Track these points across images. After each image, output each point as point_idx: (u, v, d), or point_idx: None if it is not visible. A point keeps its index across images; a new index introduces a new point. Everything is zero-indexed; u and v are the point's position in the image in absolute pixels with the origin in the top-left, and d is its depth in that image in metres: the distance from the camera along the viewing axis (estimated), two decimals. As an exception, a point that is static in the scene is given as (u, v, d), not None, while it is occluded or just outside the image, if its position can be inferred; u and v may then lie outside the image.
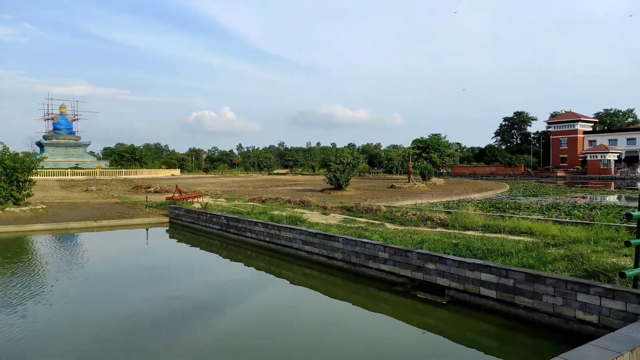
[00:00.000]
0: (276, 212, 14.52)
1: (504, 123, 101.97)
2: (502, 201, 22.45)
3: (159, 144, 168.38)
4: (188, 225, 15.82)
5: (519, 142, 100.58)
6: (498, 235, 9.48)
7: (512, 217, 12.81)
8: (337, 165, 27.91)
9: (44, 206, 19.08)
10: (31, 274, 9.41)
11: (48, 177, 57.55)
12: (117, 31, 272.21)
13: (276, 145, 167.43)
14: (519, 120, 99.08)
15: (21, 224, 15.12)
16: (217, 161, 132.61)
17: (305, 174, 79.12)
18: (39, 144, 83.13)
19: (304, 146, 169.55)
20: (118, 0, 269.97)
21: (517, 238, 9.10)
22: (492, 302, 6.63)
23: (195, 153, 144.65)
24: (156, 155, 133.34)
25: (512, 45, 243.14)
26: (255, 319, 6.97)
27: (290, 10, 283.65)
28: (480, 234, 9.73)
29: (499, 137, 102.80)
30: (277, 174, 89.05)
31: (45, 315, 6.80)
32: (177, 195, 20.90)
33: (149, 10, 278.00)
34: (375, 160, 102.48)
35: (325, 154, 33.94)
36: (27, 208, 17.87)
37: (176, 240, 14.46)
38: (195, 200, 19.96)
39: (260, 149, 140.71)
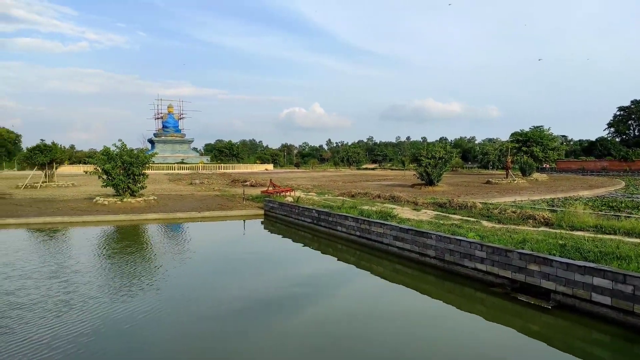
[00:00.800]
0: (366, 207, 14.52)
1: (619, 113, 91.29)
2: (616, 199, 20.23)
3: (254, 140, 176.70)
4: (281, 218, 16.44)
5: (637, 133, 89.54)
6: (612, 237, 8.57)
7: (629, 217, 11.49)
8: (428, 160, 27.06)
9: (155, 197, 21.04)
10: (144, 259, 10.44)
11: (158, 171, 63.29)
12: (218, 35, 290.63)
13: (365, 140, 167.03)
14: (637, 110, 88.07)
15: (136, 213, 16.83)
16: (307, 156, 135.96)
17: (395, 169, 78.03)
18: (150, 141, 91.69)
19: (394, 140, 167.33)
20: (220, 5, 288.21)
21: (636, 240, 8.14)
22: (606, 309, 6.01)
23: (287, 148, 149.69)
24: (251, 151, 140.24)
25: (625, 29, 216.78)
26: (344, 312, 7.05)
27: (379, 3, 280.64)
28: (592, 235, 8.87)
29: (612, 129, 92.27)
30: (366, 168, 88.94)
31: (155, 298, 7.49)
32: (271, 189, 21.80)
33: (247, 13, 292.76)
34: (469, 154, 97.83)
35: (415, 148, 33.13)
36: (141, 199, 19.84)
37: (270, 231, 15.10)
38: (288, 194, 20.66)
39: (349, 144, 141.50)
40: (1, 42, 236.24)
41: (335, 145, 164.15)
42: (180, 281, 8.63)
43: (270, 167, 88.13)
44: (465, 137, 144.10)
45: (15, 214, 16.53)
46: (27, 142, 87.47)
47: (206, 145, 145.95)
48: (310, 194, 22.63)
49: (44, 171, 31.28)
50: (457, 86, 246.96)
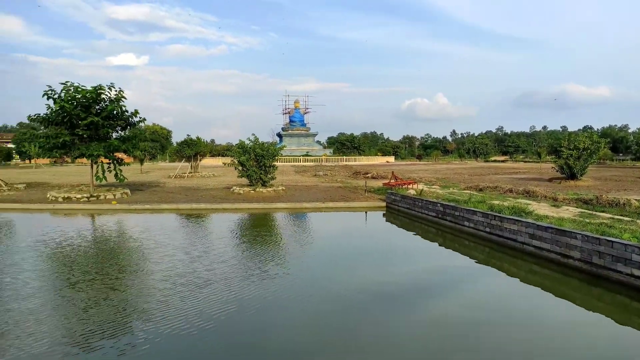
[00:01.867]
0: (496, 202, 13.58)
1: None
2: None
3: (375, 132, 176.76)
4: (403, 211, 16.20)
5: None
6: None
7: None
8: (570, 151, 24.20)
9: (284, 188, 22.31)
10: (274, 244, 11.14)
11: (284, 163, 67.03)
12: (342, 30, 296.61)
13: (493, 130, 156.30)
14: None
15: (267, 202, 18.03)
16: (429, 148, 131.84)
17: (528, 161, 71.60)
18: (279, 135, 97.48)
19: (527, 130, 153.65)
20: (343, 0, 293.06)
21: None
22: None
23: (408, 140, 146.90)
24: (372, 143, 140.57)
25: None
26: (472, 313, 6.66)
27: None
28: None
29: None
30: (495, 161, 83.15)
31: (283, 281, 7.94)
32: (393, 181, 21.61)
33: (370, 5, 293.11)
34: (620, 145, 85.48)
35: (553, 139, 29.96)
36: (271, 189, 21.21)
37: (392, 224, 14.98)
38: (410, 186, 20.28)
39: (476, 134, 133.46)
40: (157, 50, 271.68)
41: (460, 136, 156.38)
42: (307, 267, 9.02)
43: (391, 159, 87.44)
44: (615, 126, 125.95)
45: (168, 200, 18.92)
46: (176, 138, 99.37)
47: (329, 138, 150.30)
48: (433, 187, 21.91)
49: (190, 163, 35.25)
50: (606, 68, 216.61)
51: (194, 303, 6.58)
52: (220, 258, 9.43)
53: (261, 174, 21.31)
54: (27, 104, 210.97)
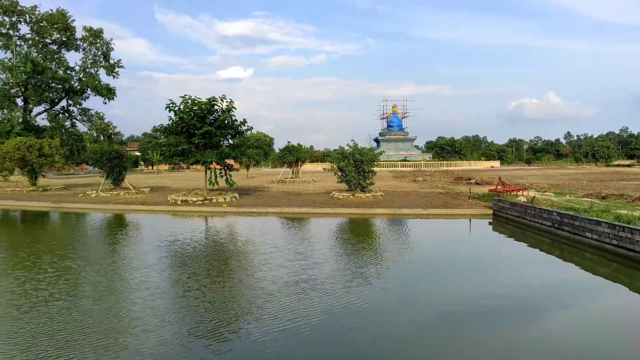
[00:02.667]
0: (623, 211, 12.14)
1: None
2: None
3: (477, 136, 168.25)
4: (513, 219, 15.18)
5: None
6: None
7: None
8: None
9: (382, 193, 22.20)
10: (373, 249, 11.12)
11: (382, 168, 66.64)
12: (439, 30, 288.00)
13: (616, 132, 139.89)
14: None
15: (366, 208, 18.07)
16: (540, 152, 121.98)
17: (662, 166, 62.75)
18: (376, 140, 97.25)
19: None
20: (440, 1, 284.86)
21: None
22: None
23: (515, 143, 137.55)
24: (474, 147, 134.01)
25: None
26: (598, 336, 6.01)
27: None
28: None
29: None
30: (618, 165, 74.34)
31: (379, 289, 7.88)
32: (500, 187, 20.38)
33: (469, 4, 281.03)
34: None
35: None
36: (370, 194, 21.23)
37: (500, 233, 14.12)
38: (520, 193, 18.96)
39: (595, 136, 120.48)
40: (261, 62, 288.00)
41: (576, 138, 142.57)
42: (405, 275, 8.87)
43: (496, 164, 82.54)
44: None
45: (273, 204, 19.87)
46: (277, 144, 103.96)
47: (427, 142, 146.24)
48: (546, 194, 20.26)
49: (292, 168, 36.66)
50: None
51: (295, 304, 6.81)
52: (321, 262, 9.66)
53: (360, 179, 21.43)
54: (149, 116, 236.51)
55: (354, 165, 21.36)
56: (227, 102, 20.71)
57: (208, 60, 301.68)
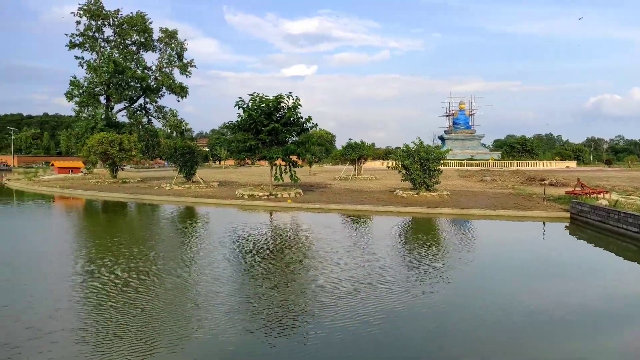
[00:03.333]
0: None
1: None
2: None
3: (551, 134, 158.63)
4: (593, 224, 14.14)
5: None
6: None
7: None
8: None
9: (448, 193, 21.55)
10: (439, 250, 10.81)
11: (447, 167, 64.70)
12: (509, 24, 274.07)
13: None
14: None
15: (431, 207, 17.63)
16: (621, 152, 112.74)
17: None
18: (441, 138, 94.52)
19: None
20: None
21: None
22: None
23: (593, 143, 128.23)
24: (547, 146, 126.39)
25: None
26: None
27: None
28: None
29: None
30: None
31: (444, 296, 7.63)
32: (579, 189, 19.07)
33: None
34: None
35: None
36: (435, 193, 20.70)
37: (578, 238, 13.21)
38: (601, 195, 17.62)
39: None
40: (324, 59, 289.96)
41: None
42: (475, 279, 8.53)
43: (572, 164, 77.34)
44: None
45: (336, 200, 19.97)
46: (339, 141, 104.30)
47: (495, 141, 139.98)
48: (631, 197, 18.68)
49: (354, 165, 36.61)
50: None
51: (357, 302, 6.78)
52: (385, 261, 9.56)
53: (425, 177, 20.95)
54: (217, 114, 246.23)
55: (419, 163, 20.91)
56: (293, 99, 21.06)
57: (273, 59, 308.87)
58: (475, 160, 75.69)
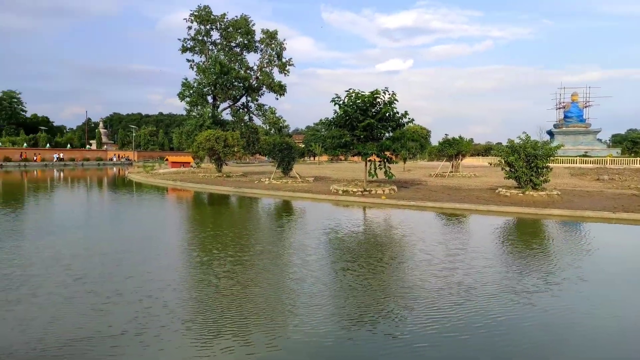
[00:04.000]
0: None
1: None
2: None
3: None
4: None
5: None
6: None
7: None
8: None
9: (558, 192, 19.79)
10: (548, 259, 9.94)
11: (557, 164, 59.46)
12: (634, 4, 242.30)
13: None
14: None
15: (539, 207, 16.32)
16: None
17: None
18: (549, 133, 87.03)
19: None
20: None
21: None
22: None
23: None
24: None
25: None
26: None
27: None
28: None
29: None
30: None
31: (561, 307, 6.97)
32: None
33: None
34: None
35: None
36: (543, 193, 19.13)
37: None
38: None
39: None
40: (420, 53, 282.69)
41: None
42: (590, 290, 7.70)
43: None
44: None
45: (432, 198, 19.38)
46: (434, 137, 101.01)
47: (614, 135, 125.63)
48: None
49: (452, 162, 35.22)
50: None
51: (455, 307, 6.49)
52: (487, 264, 9.06)
53: (532, 175, 19.45)
54: (312, 110, 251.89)
55: (525, 160, 19.47)
56: (389, 94, 20.81)
57: (368, 54, 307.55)
58: (590, 157, 68.50)
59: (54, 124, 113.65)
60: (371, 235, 12.43)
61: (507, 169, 20.26)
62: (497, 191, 20.75)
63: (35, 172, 51.16)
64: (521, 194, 19.07)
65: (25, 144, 76.22)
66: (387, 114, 20.74)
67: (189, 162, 54.07)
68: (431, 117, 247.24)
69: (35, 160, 71.30)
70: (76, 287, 7.11)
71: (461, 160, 37.08)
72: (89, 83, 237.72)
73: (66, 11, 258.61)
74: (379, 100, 20.84)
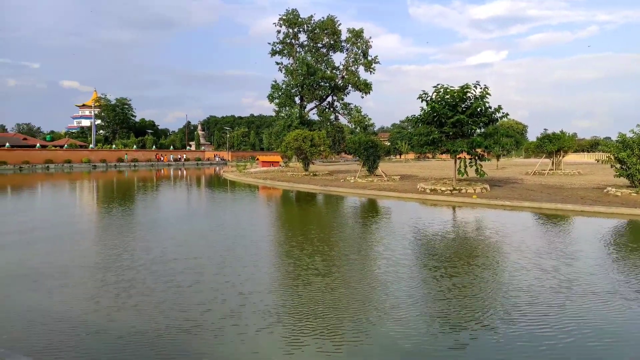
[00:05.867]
0: None
1: None
2: None
3: None
4: None
5: None
6: None
7: None
8: None
9: (682, 192, 17.40)
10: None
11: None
12: None
13: None
14: None
15: (658, 209, 14.50)
16: None
17: None
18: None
19: None
20: None
21: None
22: None
23: None
24: None
25: None
26: None
27: None
28: None
29: None
30: None
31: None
32: None
33: None
34: None
35: None
36: (663, 193, 16.95)
37: None
38: None
39: None
40: (516, 43, 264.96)
41: None
42: None
43: None
44: None
45: (529, 197, 18.09)
46: (531, 132, 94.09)
47: None
48: None
49: (551, 159, 32.58)
50: None
51: (559, 313, 5.97)
52: (592, 271, 8.23)
53: (649, 173, 17.35)
54: (398, 108, 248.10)
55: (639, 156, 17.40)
56: (480, 88, 19.80)
57: (457, 48, 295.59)
58: None
59: (159, 127, 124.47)
60: (463, 237, 11.87)
61: (618, 166, 18.28)
62: (605, 190, 18.79)
63: (157, 171, 56.53)
64: (634, 194, 17.08)
65: (134, 146, 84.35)
66: (478, 109, 19.76)
67: (278, 162, 56.08)
68: (528, 110, 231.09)
69: (162, 160, 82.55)
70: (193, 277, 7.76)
71: (563, 156, 34.13)
72: (189, 89, 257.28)
73: (170, 23, 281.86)
74: (469, 94, 19.92)
